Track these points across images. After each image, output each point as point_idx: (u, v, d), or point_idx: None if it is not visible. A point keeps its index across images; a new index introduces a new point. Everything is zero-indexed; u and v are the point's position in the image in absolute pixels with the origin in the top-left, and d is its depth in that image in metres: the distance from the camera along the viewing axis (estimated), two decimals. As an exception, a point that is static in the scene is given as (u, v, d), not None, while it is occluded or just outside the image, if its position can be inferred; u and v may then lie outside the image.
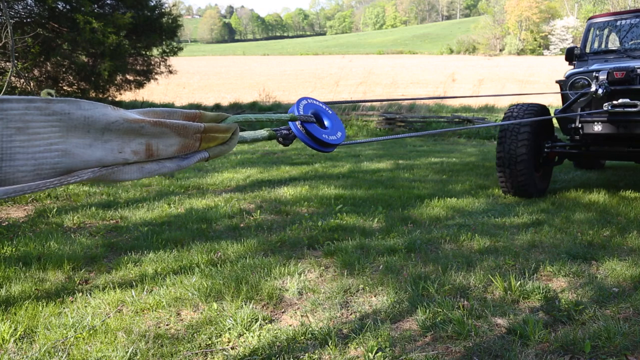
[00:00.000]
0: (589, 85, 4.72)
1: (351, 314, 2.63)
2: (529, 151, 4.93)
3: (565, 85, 5.05)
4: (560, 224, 4.19)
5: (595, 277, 3.07)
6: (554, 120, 6.45)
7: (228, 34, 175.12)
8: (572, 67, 5.54)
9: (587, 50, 5.63)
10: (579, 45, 5.67)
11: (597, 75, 4.61)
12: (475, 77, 26.30)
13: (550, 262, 3.29)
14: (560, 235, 3.90)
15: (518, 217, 4.44)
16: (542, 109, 5.19)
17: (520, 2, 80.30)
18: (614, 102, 4.48)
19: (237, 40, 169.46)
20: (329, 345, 2.28)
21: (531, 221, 4.31)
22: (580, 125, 4.79)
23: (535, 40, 79.61)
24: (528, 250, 3.58)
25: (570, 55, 5.56)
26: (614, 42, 5.71)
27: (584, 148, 4.98)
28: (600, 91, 4.46)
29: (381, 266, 3.25)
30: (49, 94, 0.72)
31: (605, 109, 4.50)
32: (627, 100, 4.43)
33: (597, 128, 4.71)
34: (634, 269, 3.13)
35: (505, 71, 35.71)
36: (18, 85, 10.30)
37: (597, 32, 5.68)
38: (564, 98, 5.18)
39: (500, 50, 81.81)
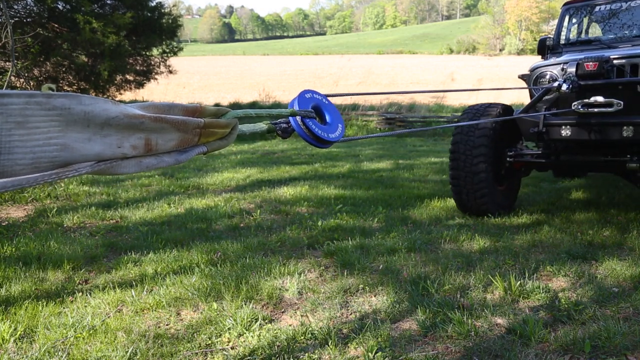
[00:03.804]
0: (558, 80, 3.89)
1: (351, 313, 2.63)
2: (487, 161, 4.19)
3: (530, 80, 4.31)
4: (560, 224, 4.19)
5: (595, 277, 3.07)
6: None
7: (228, 34, 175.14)
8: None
9: (562, 40, 4.83)
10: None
11: (565, 67, 3.86)
12: (475, 77, 26.31)
13: (550, 262, 3.29)
14: (560, 235, 3.90)
15: (518, 217, 4.44)
16: (505, 110, 4.44)
17: (520, 2, 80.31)
18: (585, 100, 3.73)
19: (237, 40, 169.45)
20: (329, 345, 2.28)
21: (531, 221, 4.31)
22: (544, 129, 3.96)
23: (535, 40, 79.58)
24: (528, 250, 3.58)
25: (543, 47, 4.80)
26: (594, 32, 4.92)
27: (553, 157, 4.16)
28: (564, 87, 3.62)
29: (381, 266, 3.25)
30: (50, 88, 0.72)
31: (573, 108, 3.78)
32: (601, 98, 3.70)
33: (565, 133, 3.90)
34: (634, 269, 3.13)
35: (505, 71, 35.68)
36: (18, 84, 10.30)
37: (574, 20, 4.88)
38: (531, 96, 4.47)
39: (500, 50, 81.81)
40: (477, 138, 4.22)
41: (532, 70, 4.32)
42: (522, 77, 4.65)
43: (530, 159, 4.30)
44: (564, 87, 3.62)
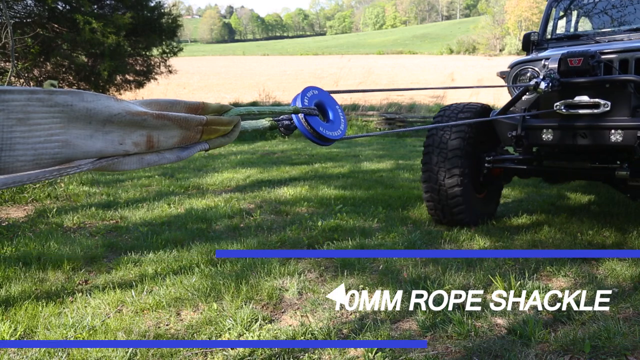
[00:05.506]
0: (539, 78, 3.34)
1: (351, 314, 2.63)
2: (463, 167, 3.85)
3: (509, 77, 3.90)
4: (560, 224, 4.19)
5: (595, 277, 3.07)
6: None
7: (228, 34, 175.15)
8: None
9: (548, 35, 4.44)
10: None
11: (546, 63, 3.44)
12: (475, 77, 26.32)
13: (550, 262, 3.29)
14: (560, 235, 3.90)
15: (518, 217, 4.44)
16: (484, 110, 4.06)
17: (520, 2, 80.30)
18: (569, 100, 3.30)
19: (237, 40, 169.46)
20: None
21: (531, 221, 4.31)
22: (523, 133, 3.54)
23: (535, 41, 79.42)
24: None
25: (527, 43, 4.37)
26: (583, 26, 4.56)
27: (535, 163, 3.79)
28: (543, 85, 3.12)
29: (381, 266, 3.25)
30: (52, 85, 0.72)
31: (556, 109, 3.36)
32: (586, 98, 3.27)
33: (547, 137, 3.46)
34: (634, 269, 3.13)
35: (505, 71, 35.63)
36: (18, 85, 10.31)
37: (561, 14, 4.51)
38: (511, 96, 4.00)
39: (500, 51, 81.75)
40: (451, 141, 3.87)
41: (512, 66, 3.90)
42: (501, 74, 4.31)
43: (510, 165, 3.92)
44: (543, 85, 3.13)
